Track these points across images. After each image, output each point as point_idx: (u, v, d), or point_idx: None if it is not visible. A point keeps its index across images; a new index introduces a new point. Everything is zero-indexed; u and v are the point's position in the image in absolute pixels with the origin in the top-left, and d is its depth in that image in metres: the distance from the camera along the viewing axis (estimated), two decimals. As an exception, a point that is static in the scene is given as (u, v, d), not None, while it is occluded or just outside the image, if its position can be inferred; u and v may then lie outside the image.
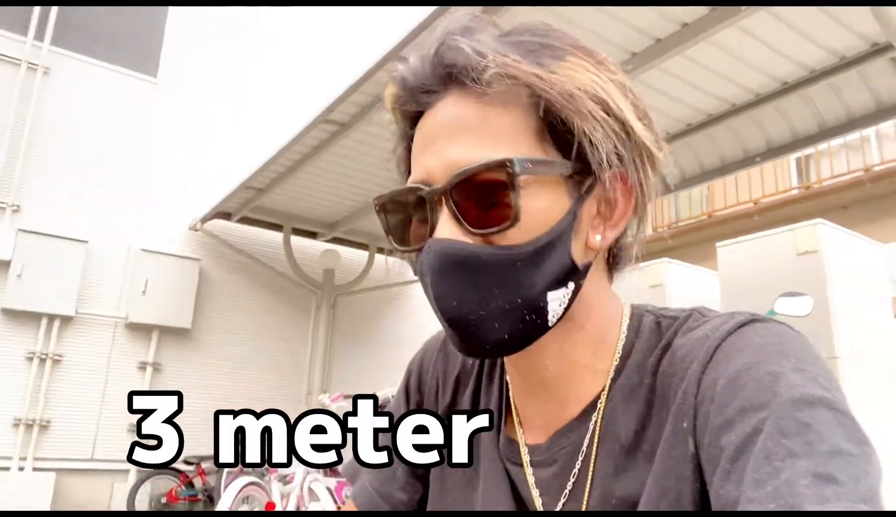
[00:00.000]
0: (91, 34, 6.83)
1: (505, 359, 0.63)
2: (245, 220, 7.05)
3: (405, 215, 0.56)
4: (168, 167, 7.02)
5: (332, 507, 4.17)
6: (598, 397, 0.56)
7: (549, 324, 0.52)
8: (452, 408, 0.68)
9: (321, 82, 7.34)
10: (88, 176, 6.57)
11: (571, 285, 0.52)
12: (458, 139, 0.51)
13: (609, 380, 0.56)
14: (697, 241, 8.84)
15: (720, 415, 0.45)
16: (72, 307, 6.18)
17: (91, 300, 6.38)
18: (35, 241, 6.07)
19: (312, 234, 7.52)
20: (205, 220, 6.80)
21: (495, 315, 0.51)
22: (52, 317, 6.13)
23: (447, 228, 0.51)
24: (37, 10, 6.51)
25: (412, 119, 0.57)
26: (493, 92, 0.50)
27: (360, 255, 7.76)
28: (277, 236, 7.26)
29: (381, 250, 7.75)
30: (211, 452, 4.41)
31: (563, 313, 0.53)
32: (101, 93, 6.79)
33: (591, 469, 0.54)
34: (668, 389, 0.52)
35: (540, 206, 0.51)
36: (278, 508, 4.44)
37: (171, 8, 7.33)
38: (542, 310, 0.51)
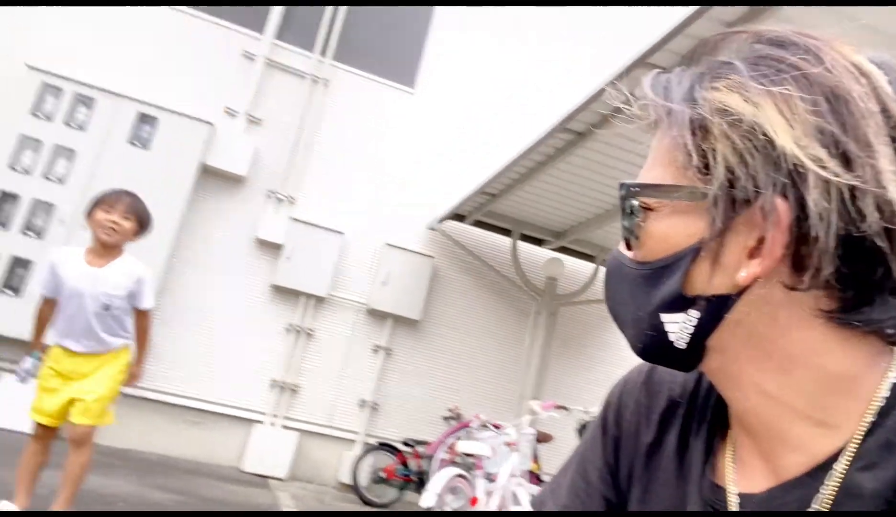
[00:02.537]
0: (364, 50, 7.70)
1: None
2: (478, 223, 7.39)
3: None
4: (416, 169, 7.64)
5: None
6: (835, 457, 0.48)
7: (677, 345, 0.52)
8: (656, 447, 0.64)
9: (562, 90, 7.40)
10: (351, 175, 7.42)
11: (695, 313, 0.51)
12: (648, 161, 0.57)
13: (853, 442, 0.48)
14: None
15: None
16: (325, 289, 7.03)
17: (341, 285, 7.18)
18: (303, 229, 7.02)
19: (539, 241, 7.62)
20: (442, 220, 7.26)
21: (629, 323, 0.56)
22: (309, 297, 7.03)
23: (623, 241, 0.57)
24: (323, 29, 7.52)
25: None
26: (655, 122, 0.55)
27: (585, 267, 7.66)
28: (506, 241, 7.49)
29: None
30: (427, 438, 4.66)
31: (697, 341, 0.52)
32: (368, 102, 7.61)
33: None
34: None
35: (661, 230, 0.52)
36: (481, 505, 4.56)
37: (432, 26, 7.95)
38: (662, 330, 0.53)
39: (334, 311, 7.16)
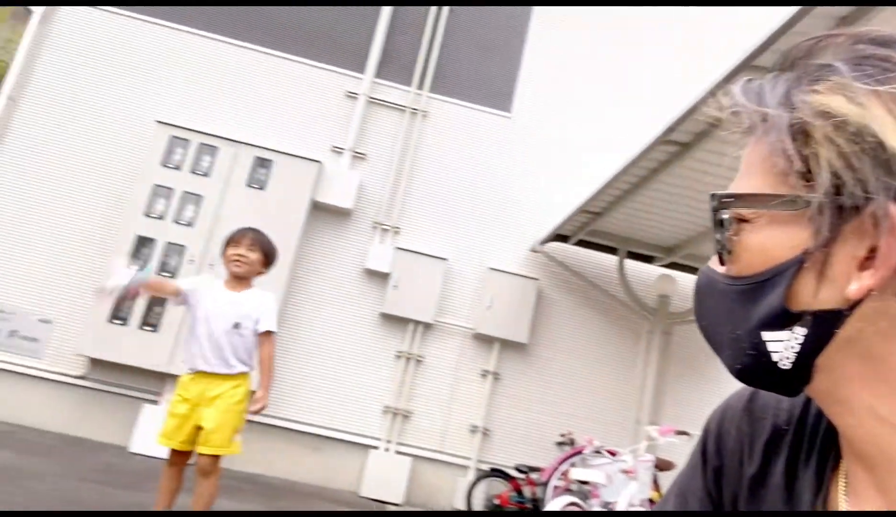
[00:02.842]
0: (459, 80, 7.85)
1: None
2: (581, 243, 7.24)
3: None
4: (516, 193, 7.63)
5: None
6: None
7: (781, 366, 0.48)
8: (761, 478, 0.59)
9: (663, 101, 7.17)
10: (452, 202, 7.54)
11: (801, 330, 0.47)
12: (741, 171, 0.54)
13: None
14: None
15: None
16: (432, 315, 7.13)
17: (447, 311, 7.27)
18: (408, 258, 7.19)
19: (648, 259, 7.34)
20: (544, 242, 7.18)
21: (726, 343, 0.52)
22: (416, 323, 7.16)
23: (714, 256, 0.55)
24: (419, 64, 7.76)
25: None
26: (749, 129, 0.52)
27: (700, 283, 7.27)
28: (612, 259, 7.28)
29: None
30: (541, 464, 4.55)
31: (803, 360, 0.48)
32: (466, 129, 7.74)
33: None
34: None
35: (758, 242, 0.49)
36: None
37: (525, 48, 7.99)
38: (764, 350, 0.49)
39: (442, 337, 7.24)
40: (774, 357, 0.49)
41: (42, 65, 7.17)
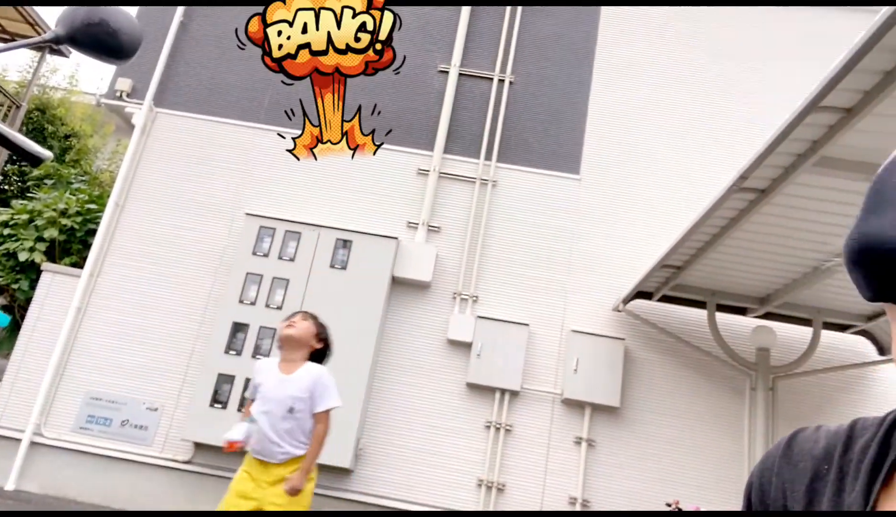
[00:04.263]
0: (525, 148, 7.99)
1: None
2: (666, 299, 7.01)
3: None
4: (592, 252, 7.56)
5: None
6: None
7: None
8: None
9: (736, 148, 7.00)
10: (528, 267, 7.54)
11: None
12: None
13: None
14: None
15: None
16: (518, 383, 7.04)
17: (533, 377, 7.15)
18: (489, 326, 7.19)
19: (742, 311, 7.00)
20: (626, 300, 7.01)
21: None
22: (503, 391, 7.07)
23: None
24: (485, 137, 7.98)
25: None
26: None
27: (801, 332, 6.84)
28: (701, 313, 6.99)
29: (828, 325, 6.70)
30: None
31: None
32: (536, 194, 7.81)
33: None
34: None
35: None
36: None
37: (590, 111, 8.08)
38: None
39: (529, 405, 7.10)
40: None
41: (142, 171, 7.89)
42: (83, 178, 11.68)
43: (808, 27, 8.09)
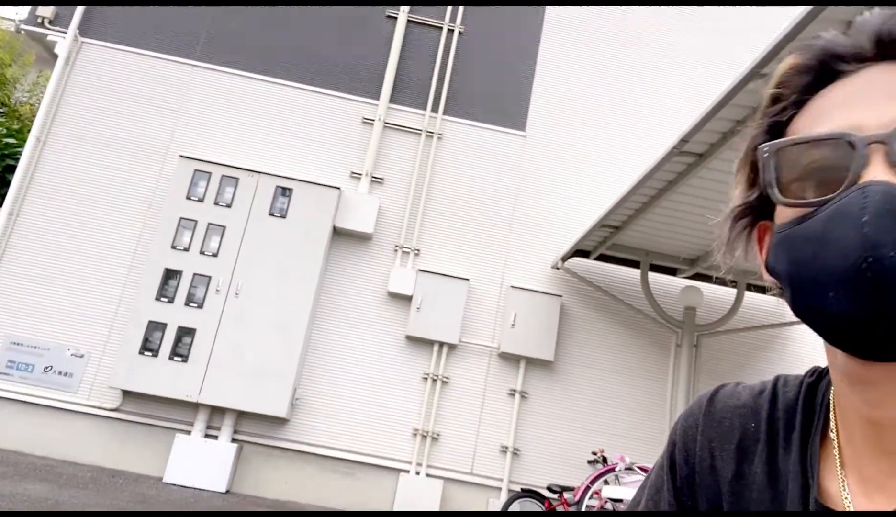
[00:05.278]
0: (472, 102, 7.93)
1: (839, 407, 0.54)
2: (603, 258, 7.20)
3: (806, 167, 0.51)
4: (534, 210, 7.65)
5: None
6: None
7: None
8: (740, 478, 0.59)
9: (677, 113, 7.17)
10: (471, 222, 7.58)
11: None
12: None
13: None
14: None
15: None
16: (456, 336, 7.13)
17: (471, 331, 7.26)
18: (430, 280, 7.22)
19: (672, 271, 7.28)
20: (565, 258, 7.16)
21: None
22: (441, 344, 7.16)
23: (884, 175, 0.46)
24: (433, 89, 7.86)
25: (806, 90, 0.55)
26: None
27: (726, 293, 7.19)
28: (635, 273, 7.23)
29: (751, 287, 7.06)
30: (573, 483, 4.51)
31: None
32: (481, 149, 7.80)
33: None
34: None
35: None
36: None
37: (537, 70, 8.06)
38: None
39: (467, 358, 7.23)
40: None
41: (66, 105, 7.41)
42: (1, 110, 10.87)
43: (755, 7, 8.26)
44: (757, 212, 0.58)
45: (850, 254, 0.43)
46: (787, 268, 0.50)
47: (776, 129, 0.56)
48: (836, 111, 0.51)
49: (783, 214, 0.52)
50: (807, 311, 0.48)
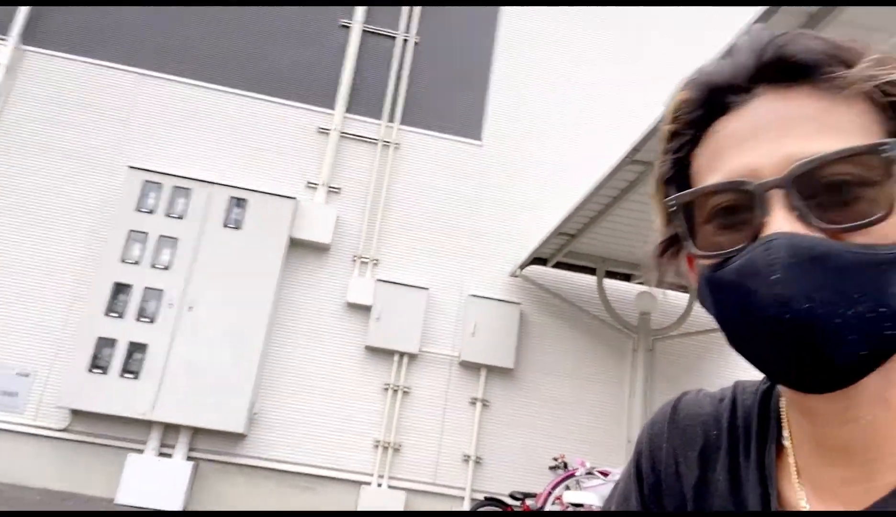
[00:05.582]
0: (428, 112, 7.96)
1: (790, 416, 0.55)
2: (560, 265, 7.31)
3: (710, 217, 0.51)
4: (492, 219, 7.71)
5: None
6: None
7: None
8: (703, 486, 0.61)
9: (631, 122, 7.33)
10: (428, 231, 7.58)
11: None
12: (793, 132, 0.47)
13: None
14: None
15: None
16: (416, 346, 7.11)
17: (431, 340, 7.25)
18: (389, 289, 7.18)
19: (627, 277, 7.43)
20: (523, 266, 7.24)
21: (853, 324, 0.43)
22: (402, 354, 7.13)
23: (787, 224, 0.45)
24: (388, 98, 7.86)
25: (699, 125, 0.54)
26: (835, 86, 0.47)
27: (679, 298, 7.37)
28: (591, 279, 7.35)
29: (702, 291, 7.25)
30: (535, 489, 4.51)
31: None
32: (438, 159, 7.83)
33: None
34: None
35: None
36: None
37: (492, 79, 8.14)
38: None
39: (427, 367, 7.21)
40: None
41: (9, 115, 7.14)
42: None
43: (712, 11, 8.51)
44: (681, 242, 0.57)
45: (767, 310, 0.44)
46: (715, 312, 0.51)
47: (679, 163, 0.56)
48: (730, 153, 0.50)
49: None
50: (742, 353, 0.49)
